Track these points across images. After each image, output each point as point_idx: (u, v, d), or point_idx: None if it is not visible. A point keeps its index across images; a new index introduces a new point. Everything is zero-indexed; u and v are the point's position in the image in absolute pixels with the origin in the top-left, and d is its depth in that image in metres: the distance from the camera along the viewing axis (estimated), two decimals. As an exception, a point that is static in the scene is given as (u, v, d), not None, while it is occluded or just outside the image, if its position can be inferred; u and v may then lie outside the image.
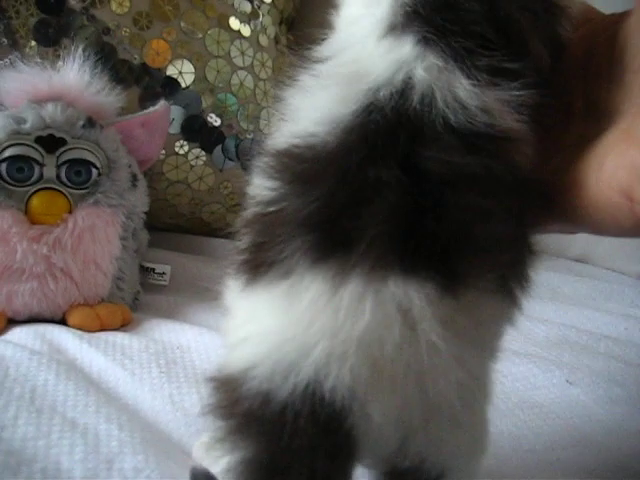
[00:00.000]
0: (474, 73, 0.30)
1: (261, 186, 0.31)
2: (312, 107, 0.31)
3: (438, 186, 0.28)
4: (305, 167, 0.30)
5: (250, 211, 0.32)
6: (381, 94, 0.30)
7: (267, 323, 0.29)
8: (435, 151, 0.28)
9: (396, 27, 0.32)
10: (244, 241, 0.32)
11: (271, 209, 0.30)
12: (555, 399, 0.56)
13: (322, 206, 0.28)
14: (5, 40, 0.83)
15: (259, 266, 0.30)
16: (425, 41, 0.31)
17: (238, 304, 0.32)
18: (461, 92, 0.30)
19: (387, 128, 0.29)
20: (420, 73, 0.30)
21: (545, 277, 0.88)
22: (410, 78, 0.30)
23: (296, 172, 0.30)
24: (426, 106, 0.29)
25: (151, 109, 0.75)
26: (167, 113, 0.77)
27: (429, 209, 0.28)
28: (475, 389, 0.31)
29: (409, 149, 0.29)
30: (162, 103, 0.75)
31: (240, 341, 0.31)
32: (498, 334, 0.32)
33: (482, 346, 0.31)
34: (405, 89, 0.30)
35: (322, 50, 0.34)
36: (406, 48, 0.31)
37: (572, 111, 0.34)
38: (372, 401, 0.28)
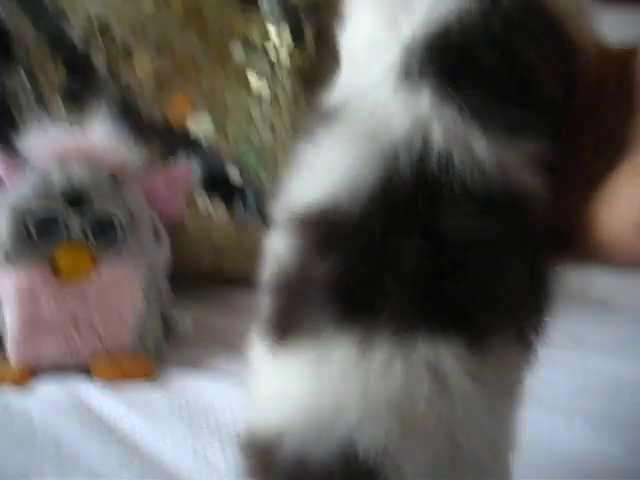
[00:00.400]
0: (490, 130, 0.30)
1: (283, 244, 0.31)
2: (332, 168, 0.31)
3: (457, 250, 0.29)
4: (330, 232, 0.30)
5: (273, 269, 0.32)
6: (400, 158, 0.29)
7: (296, 386, 0.29)
8: (452, 215, 0.29)
9: (412, 76, 0.31)
10: (269, 301, 0.32)
11: (296, 272, 0.30)
12: (580, 448, 0.55)
13: (347, 272, 0.29)
14: (33, 100, 0.86)
15: (286, 330, 0.30)
16: (442, 95, 0.30)
17: (265, 366, 0.32)
18: (477, 150, 0.29)
19: (407, 194, 0.29)
20: (437, 133, 0.30)
21: (567, 324, 0.87)
22: (428, 138, 0.30)
23: (321, 236, 0.30)
24: (444, 167, 0.29)
25: (173, 165, 0.77)
26: (189, 169, 0.79)
27: (449, 272, 0.28)
28: (502, 437, 0.31)
29: (428, 214, 0.29)
30: (184, 159, 0.77)
31: (269, 404, 0.31)
32: (519, 380, 0.33)
33: (508, 394, 0.31)
34: (424, 151, 0.29)
35: (334, 96, 0.34)
36: (423, 103, 0.30)
37: (583, 148, 0.34)
38: (404, 455, 0.28)
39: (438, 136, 0.30)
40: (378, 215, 0.29)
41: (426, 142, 0.30)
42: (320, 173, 0.31)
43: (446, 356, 0.28)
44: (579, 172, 0.34)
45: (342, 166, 0.30)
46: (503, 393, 0.31)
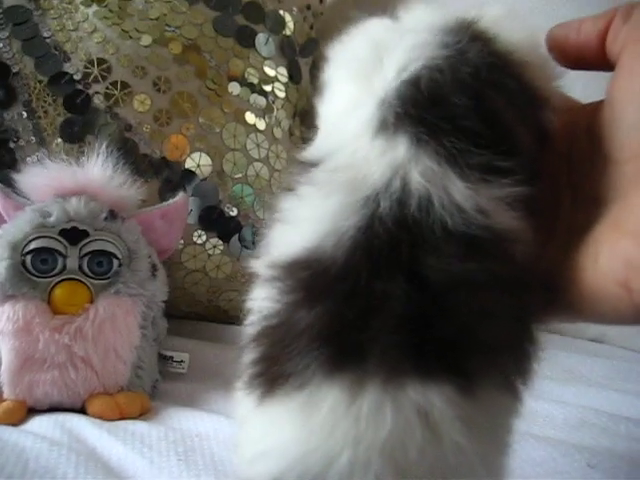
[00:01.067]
0: (467, 173, 0.30)
1: (266, 298, 0.32)
2: (315, 218, 0.31)
3: (441, 293, 0.29)
4: (314, 279, 0.30)
5: (257, 322, 0.32)
6: (381, 205, 0.30)
7: (287, 436, 0.29)
8: (435, 259, 0.29)
9: (388, 126, 0.32)
10: (254, 353, 0.32)
11: (281, 321, 0.31)
12: (575, 483, 0.55)
13: (333, 319, 0.29)
14: (33, 138, 0.87)
15: (274, 380, 0.30)
16: (418, 141, 0.31)
17: (253, 418, 0.32)
18: (456, 194, 0.30)
19: (389, 241, 0.29)
20: (416, 178, 0.30)
21: (562, 358, 0.88)
22: (407, 184, 0.30)
23: (306, 285, 0.30)
24: (424, 212, 0.30)
25: (170, 201, 0.78)
26: (186, 205, 0.80)
27: (435, 315, 0.29)
28: None
29: (411, 258, 0.29)
30: (181, 195, 0.78)
31: (259, 456, 0.31)
32: (509, 429, 0.32)
33: (499, 442, 0.31)
34: (403, 196, 0.30)
35: (314, 150, 0.35)
36: (400, 150, 0.31)
37: (561, 200, 0.35)
38: None
39: (417, 181, 0.30)
40: (362, 261, 0.29)
41: (405, 187, 0.30)
42: (302, 224, 0.32)
43: (436, 401, 0.28)
44: (558, 221, 0.34)
45: (324, 215, 0.31)
46: (494, 441, 0.31)
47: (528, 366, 0.31)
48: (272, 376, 0.30)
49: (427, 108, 0.31)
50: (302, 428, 0.29)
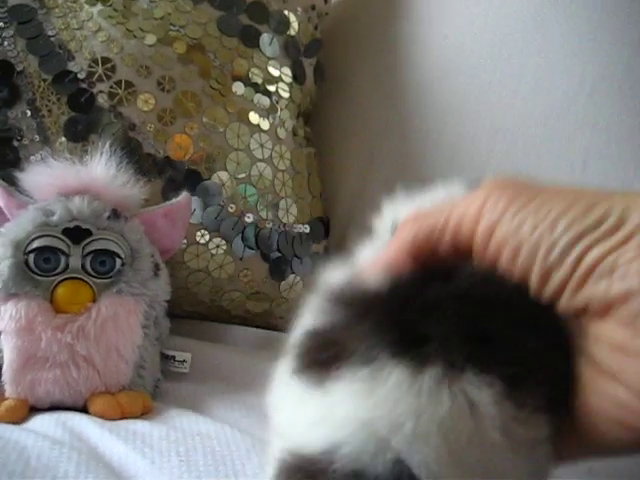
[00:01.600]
0: None
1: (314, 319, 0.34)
2: None
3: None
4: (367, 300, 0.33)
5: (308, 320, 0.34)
6: None
7: (349, 405, 0.30)
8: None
9: None
10: (309, 342, 0.33)
11: (343, 309, 0.33)
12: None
13: (394, 318, 0.31)
14: (37, 137, 0.87)
15: (336, 358, 0.31)
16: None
17: (309, 399, 0.32)
18: None
19: None
20: None
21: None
22: None
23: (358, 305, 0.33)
24: None
25: (173, 200, 0.78)
26: (189, 204, 0.80)
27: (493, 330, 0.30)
28: None
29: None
30: (184, 195, 0.78)
31: (318, 422, 0.31)
32: (547, 464, 0.32)
33: (535, 466, 0.31)
34: None
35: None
36: None
37: None
38: None
39: None
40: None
41: None
42: None
43: (485, 395, 0.29)
44: None
45: None
46: (532, 463, 0.31)
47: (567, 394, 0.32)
48: (333, 356, 0.31)
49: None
50: (366, 398, 0.30)
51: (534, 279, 0.31)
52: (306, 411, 0.33)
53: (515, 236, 0.31)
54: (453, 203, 0.34)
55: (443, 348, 0.30)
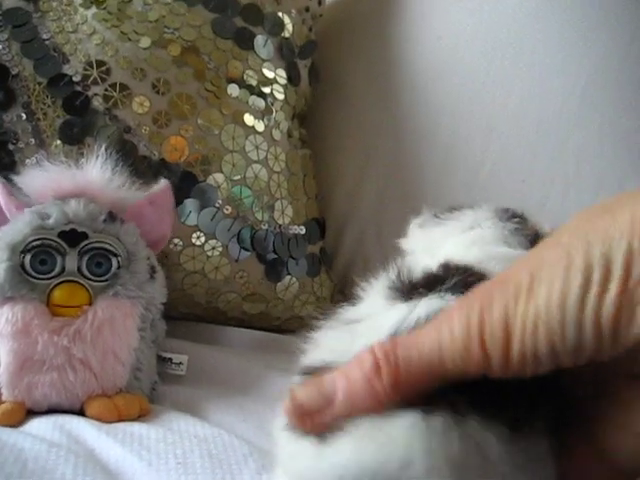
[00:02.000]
0: None
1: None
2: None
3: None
4: None
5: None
6: None
7: (362, 445, 0.31)
8: None
9: None
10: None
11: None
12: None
13: None
14: (33, 140, 0.87)
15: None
16: None
17: (318, 453, 0.33)
18: None
19: None
20: None
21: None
22: None
23: None
24: None
25: (154, 187, 0.77)
26: (169, 188, 0.78)
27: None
28: None
29: None
30: (162, 181, 0.77)
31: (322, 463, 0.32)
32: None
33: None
34: None
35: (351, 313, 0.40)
36: None
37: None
38: None
39: None
40: None
41: None
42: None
43: (491, 437, 0.30)
44: None
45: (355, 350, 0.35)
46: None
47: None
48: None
49: None
50: (379, 440, 0.30)
51: None
52: (307, 453, 0.33)
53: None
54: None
55: (448, 398, 0.31)
